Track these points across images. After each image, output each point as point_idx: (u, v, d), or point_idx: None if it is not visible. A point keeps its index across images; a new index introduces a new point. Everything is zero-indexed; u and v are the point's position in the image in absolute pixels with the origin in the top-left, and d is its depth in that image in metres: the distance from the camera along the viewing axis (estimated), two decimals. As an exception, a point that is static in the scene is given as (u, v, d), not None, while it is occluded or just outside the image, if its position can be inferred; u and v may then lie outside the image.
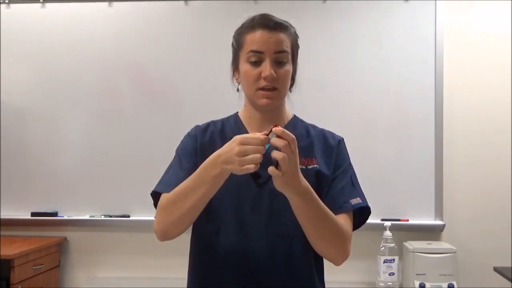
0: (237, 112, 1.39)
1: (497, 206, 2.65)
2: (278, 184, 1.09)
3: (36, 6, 2.81)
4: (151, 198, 1.31)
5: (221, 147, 1.14)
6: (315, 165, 1.28)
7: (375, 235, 2.48)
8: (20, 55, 2.82)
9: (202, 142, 1.32)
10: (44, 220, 2.75)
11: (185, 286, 1.35)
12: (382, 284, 2.43)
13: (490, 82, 2.67)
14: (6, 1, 2.82)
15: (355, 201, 1.28)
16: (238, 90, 1.33)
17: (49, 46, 2.80)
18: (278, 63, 1.24)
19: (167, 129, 2.70)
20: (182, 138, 1.37)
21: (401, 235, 2.58)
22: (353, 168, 1.35)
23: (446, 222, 2.63)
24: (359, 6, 2.69)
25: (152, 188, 1.31)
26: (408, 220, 2.63)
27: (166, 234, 1.24)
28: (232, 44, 1.32)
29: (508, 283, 2.24)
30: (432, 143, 2.63)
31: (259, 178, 1.11)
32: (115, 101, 2.77)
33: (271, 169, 1.06)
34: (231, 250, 1.25)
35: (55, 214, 2.75)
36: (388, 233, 2.46)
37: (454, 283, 2.37)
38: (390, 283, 2.42)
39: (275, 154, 1.05)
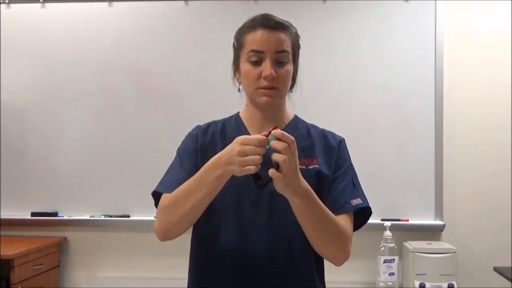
0: (238, 112, 1.39)
1: (497, 206, 2.65)
2: (279, 186, 1.09)
3: (36, 6, 2.81)
4: (151, 198, 1.31)
5: (222, 147, 1.14)
6: (316, 166, 1.28)
7: (375, 235, 2.48)
8: (20, 55, 2.82)
9: (202, 142, 1.32)
10: (44, 220, 2.75)
11: (185, 286, 1.35)
12: (382, 284, 2.43)
13: (490, 82, 2.67)
14: (6, 1, 2.82)
15: (356, 201, 1.28)
16: (239, 90, 1.33)
17: (49, 46, 2.80)
18: (278, 63, 1.24)
19: (167, 129, 2.70)
20: (182, 138, 1.38)
21: (401, 235, 2.58)
22: (354, 169, 1.35)
23: (446, 222, 2.63)
24: (359, 6, 2.69)
25: (152, 188, 1.31)
26: (408, 220, 2.63)
27: (166, 234, 1.24)
28: (233, 44, 1.33)
29: (508, 283, 2.24)
30: (432, 143, 2.63)
31: (260, 180, 1.11)
32: (115, 101, 2.77)
33: (272, 172, 1.06)
34: (231, 250, 1.25)
35: (55, 214, 2.75)
36: (388, 233, 2.46)
37: (454, 283, 2.37)
38: (390, 283, 2.42)
39: (276, 157, 1.05)
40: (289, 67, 1.26)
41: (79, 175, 2.76)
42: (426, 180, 2.63)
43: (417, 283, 2.38)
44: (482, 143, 2.67)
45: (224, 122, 1.37)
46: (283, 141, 1.06)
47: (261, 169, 1.07)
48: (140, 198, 2.61)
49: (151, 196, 1.31)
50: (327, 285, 1.36)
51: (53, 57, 2.80)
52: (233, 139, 1.10)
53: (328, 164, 1.30)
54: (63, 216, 2.76)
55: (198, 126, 1.37)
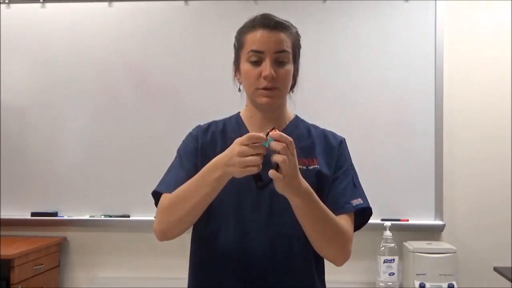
0: (239, 112, 1.39)
1: (497, 206, 2.64)
2: (279, 186, 1.09)
3: (36, 6, 2.81)
4: (151, 198, 1.31)
5: (222, 147, 1.14)
6: (316, 166, 1.28)
7: (375, 235, 2.48)
8: (20, 55, 2.82)
9: (203, 142, 1.32)
10: (44, 220, 2.75)
11: (185, 286, 1.35)
12: (382, 284, 2.43)
13: (490, 81, 2.67)
14: (6, 1, 2.82)
15: (357, 201, 1.28)
16: (239, 90, 1.33)
17: (49, 46, 2.80)
18: (278, 63, 1.24)
19: (167, 129, 2.70)
20: (182, 137, 1.38)
21: (401, 235, 2.58)
22: (354, 169, 1.35)
23: (446, 222, 2.63)
24: (359, 6, 2.69)
25: (152, 188, 1.31)
26: (408, 220, 2.63)
27: (165, 235, 1.25)
28: (234, 44, 1.33)
29: (508, 283, 2.24)
30: (432, 143, 2.63)
31: (260, 180, 1.11)
32: (115, 101, 2.77)
33: (272, 173, 1.06)
34: (231, 250, 1.25)
35: (55, 214, 2.75)
36: (388, 233, 2.46)
37: (454, 283, 2.37)
38: (390, 283, 2.42)
39: (275, 157, 1.05)
40: (289, 67, 1.26)
41: (79, 175, 2.76)
42: (426, 180, 2.63)
43: (417, 283, 2.38)
44: (483, 144, 2.67)
45: (225, 122, 1.37)
46: (282, 142, 1.06)
47: (261, 170, 1.07)
48: (140, 198, 2.61)
49: (151, 196, 1.31)
50: (327, 285, 1.36)
51: (53, 56, 2.80)
52: (234, 139, 1.10)
53: (328, 164, 1.30)
54: (63, 216, 2.76)
55: (199, 126, 1.37)
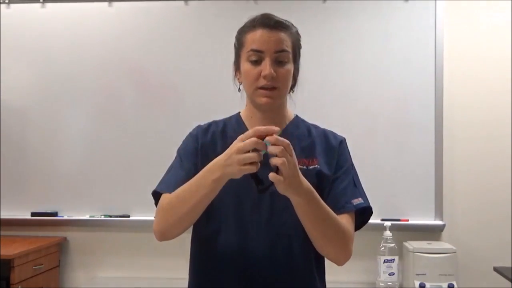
0: (239, 112, 1.39)
1: (497, 206, 2.65)
2: (281, 188, 1.09)
3: (36, 6, 2.81)
4: (151, 198, 1.32)
5: (222, 147, 1.14)
6: (316, 166, 1.28)
7: (375, 235, 2.48)
8: (20, 55, 2.82)
9: (203, 142, 1.32)
10: (44, 220, 2.75)
11: (185, 286, 1.35)
12: (382, 284, 2.43)
13: (490, 81, 2.67)
14: (6, 1, 2.82)
15: (357, 201, 1.28)
16: (239, 90, 1.33)
17: (49, 46, 2.80)
18: (278, 63, 1.24)
19: (167, 129, 2.70)
20: (182, 138, 1.38)
21: (401, 235, 2.58)
22: (355, 168, 1.35)
23: (446, 222, 2.63)
24: (359, 6, 2.69)
25: (152, 188, 1.31)
26: (408, 220, 2.63)
27: (164, 235, 1.25)
28: (234, 43, 1.33)
29: (508, 283, 2.24)
30: (432, 143, 2.63)
31: (261, 184, 1.11)
32: (115, 101, 2.77)
33: (272, 176, 1.06)
34: (231, 250, 1.25)
35: (55, 214, 2.75)
36: (388, 233, 2.46)
37: (454, 283, 2.37)
38: (390, 283, 2.42)
39: (275, 161, 1.05)
40: (289, 66, 1.26)
41: (79, 175, 2.76)
42: (426, 180, 2.63)
43: (417, 283, 2.38)
44: (483, 144, 2.67)
45: (225, 122, 1.37)
46: (279, 146, 1.06)
47: (262, 172, 1.07)
48: (140, 198, 2.61)
49: (151, 196, 1.31)
50: (327, 285, 1.36)
51: (53, 56, 2.80)
52: (234, 139, 1.10)
53: (328, 164, 1.30)
54: (63, 216, 2.76)
55: (199, 126, 1.37)
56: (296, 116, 1.39)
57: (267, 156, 1.07)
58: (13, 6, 2.83)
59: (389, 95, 2.66)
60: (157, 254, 2.69)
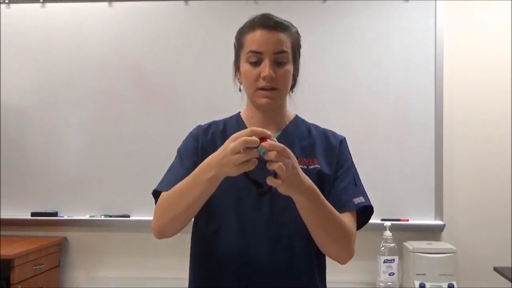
0: (239, 112, 1.39)
1: (497, 206, 2.65)
2: (281, 190, 1.09)
3: (36, 6, 2.81)
4: (151, 198, 1.32)
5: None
6: (317, 165, 1.28)
7: (375, 235, 2.48)
8: (20, 55, 2.82)
9: (203, 142, 1.32)
10: (44, 220, 2.75)
11: (185, 286, 1.35)
12: (382, 284, 2.43)
13: (490, 80, 2.67)
14: (6, 1, 2.82)
15: (358, 200, 1.28)
16: (240, 90, 1.33)
17: (49, 46, 2.80)
18: (278, 63, 1.24)
19: (167, 129, 2.70)
20: (182, 138, 1.38)
21: (401, 235, 2.58)
22: (355, 167, 1.35)
23: (446, 222, 2.63)
24: (359, 6, 2.69)
25: (152, 188, 1.31)
26: (408, 220, 2.63)
27: (162, 233, 1.25)
28: (234, 44, 1.33)
29: (508, 283, 2.24)
30: (432, 143, 2.63)
31: (260, 187, 1.11)
32: (115, 101, 2.77)
33: (269, 180, 1.06)
34: (231, 250, 1.25)
35: (55, 214, 2.75)
36: (388, 233, 2.46)
37: (454, 283, 2.37)
38: (390, 283, 2.42)
39: (271, 166, 1.05)
40: (289, 67, 1.26)
41: (79, 175, 2.76)
42: (426, 180, 2.63)
43: (417, 283, 2.38)
44: (483, 144, 2.67)
45: (225, 122, 1.37)
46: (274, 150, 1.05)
47: (262, 174, 1.07)
48: (140, 198, 2.61)
49: (151, 196, 1.31)
50: (327, 285, 1.36)
51: (53, 56, 2.80)
52: (234, 139, 1.10)
53: (329, 164, 1.30)
54: (63, 216, 2.75)
55: (199, 126, 1.37)
56: (296, 116, 1.39)
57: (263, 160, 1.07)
58: (13, 6, 2.83)
59: (389, 95, 2.66)
60: (157, 254, 2.70)
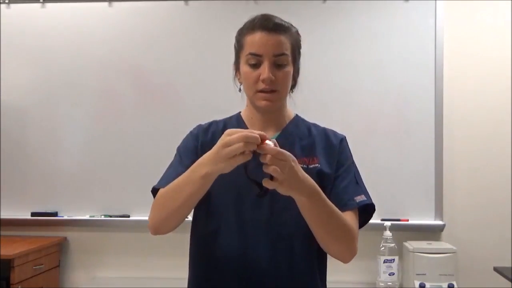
0: (240, 112, 1.39)
1: (497, 206, 2.65)
2: (281, 191, 1.09)
3: (36, 6, 2.81)
4: (151, 198, 1.31)
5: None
6: (317, 165, 1.28)
7: (375, 235, 2.48)
8: (20, 55, 2.82)
9: (203, 141, 1.32)
10: (44, 220, 2.75)
11: (185, 286, 1.35)
12: (382, 284, 2.43)
13: (490, 80, 2.67)
14: (6, 1, 2.82)
15: (360, 198, 1.28)
16: (240, 90, 1.33)
17: (49, 46, 2.80)
18: (277, 66, 1.24)
19: (167, 129, 2.70)
20: (182, 138, 1.38)
21: (401, 235, 2.58)
22: (356, 166, 1.35)
23: (446, 222, 2.63)
24: (359, 6, 2.69)
25: (152, 187, 1.31)
26: (408, 220, 2.63)
27: (157, 229, 1.25)
28: (234, 44, 1.33)
29: (508, 283, 2.24)
30: (432, 143, 2.63)
31: (261, 189, 1.11)
32: (115, 101, 2.77)
33: (265, 182, 1.06)
34: (231, 250, 1.25)
35: (55, 214, 2.75)
36: (388, 233, 2.46)
37: (454, 283, 2.37)
38: (390, 283, 2.42)
39: (266, 169, 1.05)
40: (289, 69, 1.26)
41: (79, 175, 2.76)
42: (426, 180, 2.63)
43: (417, 283, 2.38)
44: (483, 143, 2.67)
45: (225, 121, 1.37)
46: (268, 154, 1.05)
47: (261, 175, 1.07)
48: (140, 198, 2.60)
49: (151, 196, 1.31)
50: (327, 285, 1.35)
51: (53, 57, 2.80)
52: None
53: (329, 163, 1.30)
54: (63, 216, 2.75)
55: (200, 125, 1.38)
56: (296, 115, 1.39)
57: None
58: (13, 6, 2.83)
59: (389, 95, 2.66)
60: (157, 254, 2.70)
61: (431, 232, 2.64)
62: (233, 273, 1.25)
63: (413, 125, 2.65)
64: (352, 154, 1.37)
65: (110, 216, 2.74)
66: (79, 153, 2.78)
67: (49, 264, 2.63)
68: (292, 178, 1.07)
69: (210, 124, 1.37)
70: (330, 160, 1.31)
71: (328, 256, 1.32)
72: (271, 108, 1.27)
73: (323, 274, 1.34)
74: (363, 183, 1.33)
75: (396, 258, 2.44)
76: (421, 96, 2.64)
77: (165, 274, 2.64)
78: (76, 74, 2.79)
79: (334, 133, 1.37)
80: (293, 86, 1.33)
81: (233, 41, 1.33)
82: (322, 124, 1.40)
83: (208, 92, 2.70)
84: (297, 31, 1.31)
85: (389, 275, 2.42)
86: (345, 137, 1.37)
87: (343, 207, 1.24)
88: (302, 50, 1.33)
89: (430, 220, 2.63)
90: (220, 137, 1.31)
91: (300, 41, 1.31)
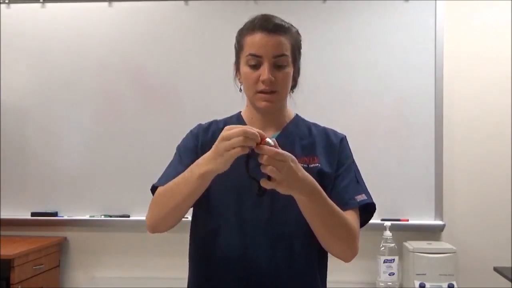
0: (240, 111, 1.39)
1: (497, 207, 2.65)
2: (281, 191, 1.09)
3: (36, 6, 2.81)
4: (150, 198, 1.31)
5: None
6: (317, 164, 1.28)
7: (375, 235, 2.48)
8: (20, 55, 2.82)
9: (203, 141, 1.32)
10: (44, 220, 2.75)
11: (185, 286, 1.35)
12: (382, 284, 2.43)
13: (490, 80, 2.67)
14: (6, 1, 2.82)
15: (360, 197, 1.27)
16: (240, 90, 1.33)
17: (49, 46, 2.80)
18: (277, 67, 1.24)
19: (167, 129, 2.70)
20: (182, 137, 1.38)
21: (401, 235, 2.58)
22: (356, 165, 1.35)
23: (446, 222, 2.63)
24: (359, 6, 2.69)
25: (152, 187, 1.31)
26: (408, 220, 2.63)
27: (155, 228, 1.25)
28: (234, 45, 1.33)
29: (508, 283, 2.24)
30: (432, 143, 2.63)
31: (259, 189, 1.11)
32: (115, 101, 2.77)
33: (263, 182, 1.06)
34: (231, 250, 1.25)
35: (55, 214, 2.75)
36: (388, 233, 2.46)
37: (454, 283, 2.37)
38: (390, 283, 2.42)
39: (263, 169, 1.05)
40: (289, 69, 1.26)
41: (79, 175, 2.76)
42: (426, 180, 2.62)
43: (417, 283, 2.38)
44: (483, 144, 2.67)
45: (226, 121, 1.37)
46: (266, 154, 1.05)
47: (260, 175, 1.07)
48: (140, 198, 2.57)
49: (151, 196, 1.31)
50: (327, 285, 1.35)
51: (53, 56, 2.80)
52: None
53: (330, 163, 1.30)
54: (63, 216, 2.75)
55: (200, 125, 1.38)
56: (296, 115, 1.39)
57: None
58: (13, 6, 2.83)
59: (389, 95, 2.66)
60: (157, 254, 2.70)
61: (431, 232, 2.64)
62: (233, 273, 1.25)
63: (413, 125, 2.65)
64: (353, 154, 1.37)
65: (110, 216, 2.74)
66: (79, 153, 2.78)
67: (49, 264, 2.63)
68: (291, 178, 1.07)
69: (210, 123, 1.37)
70: (330, 159, 1.31)
71: (328, 256, 1.32)
72: (271, 109, 1.27)
73: (323, 274, 1.34)
74: (364, 182, 1.33)
75: (396, 258, 2.44)
76: (421, 95, 2.64)
77: (165, 274, 2.64)
78: (76, 74, 2.79)
79: (335, 132, 1.37)
80: (294, 86, 1.33)
81: (233, 41, 1.33)
82: (322, 124, 1.40)
83: (208, 92, 2.70)
84: (297, 31, 1.31)
85: (389, 275, 2.42)
86: (345, 136, 1.37)
87: (344, 206, 1.24)
88: (302, 50, 1.33)
89: (430, 220, 2.63)
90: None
91: (300, 41, 1.31)
